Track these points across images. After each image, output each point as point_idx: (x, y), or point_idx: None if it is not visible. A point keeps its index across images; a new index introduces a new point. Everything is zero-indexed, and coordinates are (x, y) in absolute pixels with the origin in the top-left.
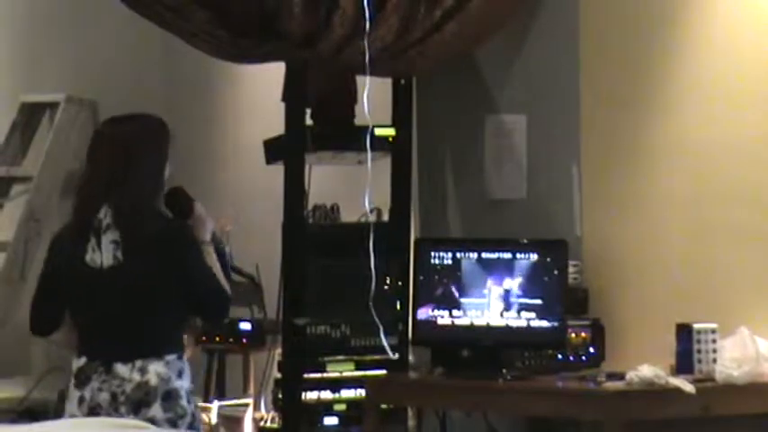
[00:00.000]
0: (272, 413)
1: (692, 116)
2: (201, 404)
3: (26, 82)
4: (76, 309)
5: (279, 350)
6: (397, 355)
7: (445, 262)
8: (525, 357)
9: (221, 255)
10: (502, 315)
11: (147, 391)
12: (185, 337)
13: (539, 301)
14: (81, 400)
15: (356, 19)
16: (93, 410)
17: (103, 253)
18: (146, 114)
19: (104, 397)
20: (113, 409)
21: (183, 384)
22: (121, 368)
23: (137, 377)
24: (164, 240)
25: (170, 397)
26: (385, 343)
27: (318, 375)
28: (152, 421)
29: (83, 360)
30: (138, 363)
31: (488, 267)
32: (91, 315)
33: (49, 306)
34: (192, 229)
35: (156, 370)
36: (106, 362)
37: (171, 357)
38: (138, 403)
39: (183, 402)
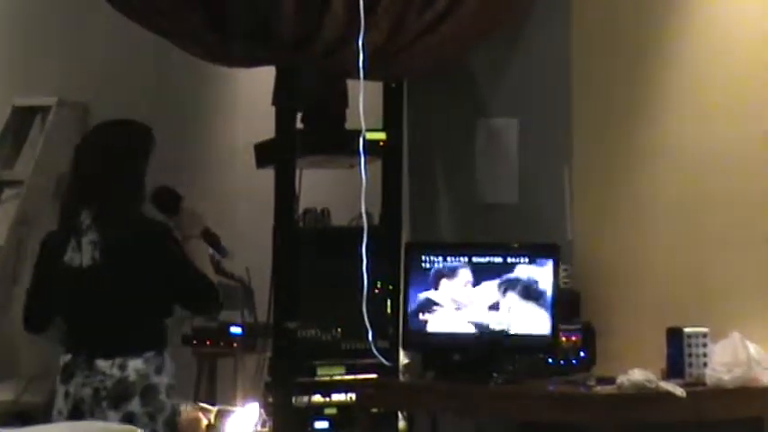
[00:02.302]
0: (262, 417)
1: (684, 121)
2: (201, 404)
3: (18, 86)
4: (61, 306)
5: (270, 354)
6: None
7: (436, 266)
8: (516, 361)
9: (215, 246)
10: (493, 319)
11: (127, 387)
12: None
13: (530, 305)
14: (66, 394)
15: (347, 22)
16: (77, 405)
17: (83, 253)
18: (131, 121)
19: (87, 392)
20: (95, 403)
21: (162, 380)
22: (102, 364)
23: (117, 373)
24: (142, 242)
25: (148, 392)
26: (374, 349)
27: (309, 379)
28: (131, 415)
29: (68, 356)
30: (118, 359)
31: (480, 271)
32: (74, 312)
33: (40, 304)
34: (173, 230)
35: (135, 366)
36: (89, 358)
37: (150, 354)
38: (117, 398)
39: (162, 397)
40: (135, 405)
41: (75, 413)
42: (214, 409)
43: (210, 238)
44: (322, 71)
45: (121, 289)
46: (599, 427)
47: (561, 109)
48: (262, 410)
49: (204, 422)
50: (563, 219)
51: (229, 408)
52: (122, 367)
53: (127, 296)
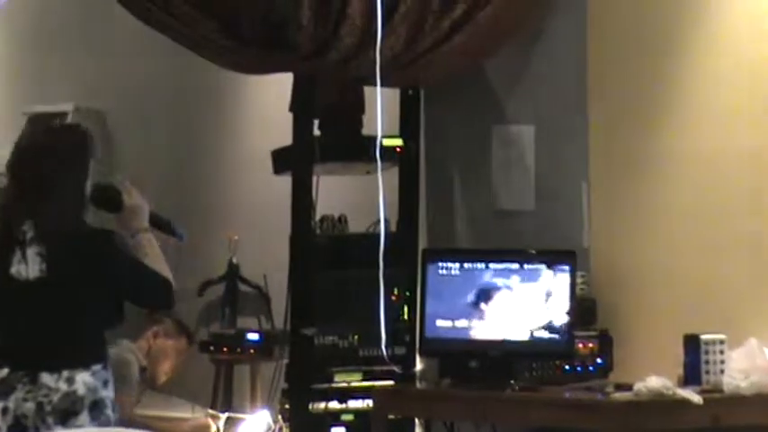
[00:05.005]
0: (279, 424)
1: (701, 127)
2: (210, 411)
3: (35, 93)
4: (3, 319)
5: (286, 360)
6: (400, 368)
7: (453, 272)
8: (533, 368)
9: (168, 230)
10: (509, 326)
11: (75, 401)
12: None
13: (547, 312)
14: (4, 410)
15: (365, 29)
16: (19, 420)
17: (29, 265)
18: (69, 126)
19: (30, 407)
20: (40, 419)
21: (109, 394)
22: (47, 378)
23: (64, 387)
24: (88, 253)
25: (97, 407)
26: (386, 356)
27: (326, 386)
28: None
29: (5, 371)
30: (65, 373)
31: (496, 278)
32: (16, 326)
33: None
34: (116, 234)
35: (83, 380)
36: (31, 372)
37: (97, 367)
38: (65, 413)
39: (109, 412)
40: (84, 419)
41: (16, 430)
42: (223, 416)
43: (161, 225)
44: (339, 78)
45: (70, 301)
46: None
47: (577, 116)
48: (279, 417)
49: (213, 429)
50: (580, 226)
51: (239, 415)
52: (70, 381)
53: (76, 308)
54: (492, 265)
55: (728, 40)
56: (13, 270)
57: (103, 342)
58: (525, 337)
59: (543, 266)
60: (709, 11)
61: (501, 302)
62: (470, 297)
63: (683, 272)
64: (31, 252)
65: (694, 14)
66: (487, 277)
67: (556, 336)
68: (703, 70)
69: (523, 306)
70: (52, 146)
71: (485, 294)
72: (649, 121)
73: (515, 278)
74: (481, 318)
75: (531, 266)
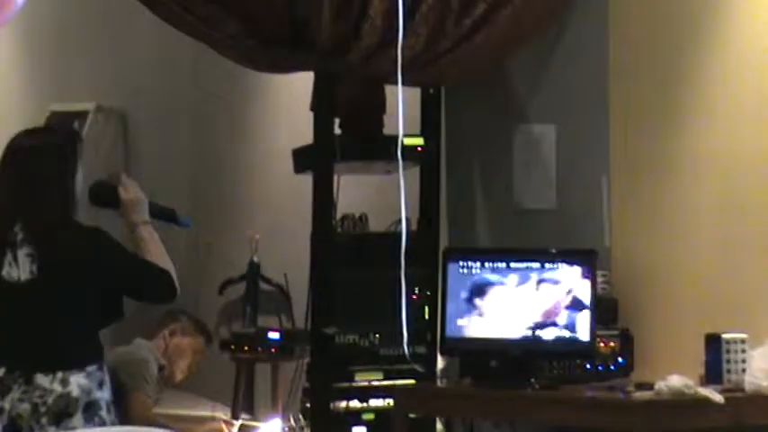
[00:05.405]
0: (301, 423)
1: (722, 126)
2: (224, 417)
3: (56, 91)
4: None
5: (307, 360)
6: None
7: (474, 271)
8: (554, 367)
9: (172, 220)
10: (530, 325)
11: (69, 403)
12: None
13: (567, 311)
14: (0, 410)
15: (385, 29)
16: (14, 421)
17: (20, 267)
18: (57, 126)
19: (25, 407)
20: (35, 420)
21: (104, 395)
22: (42, 379)
23: (58, 388)
24: (79, 252)
25: (91, 408)
26: (408, 354)
27: (347, 385)
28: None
29: (1, 371)
30: (60, 374)
31: (517, 277)
32: (10, 327)
33: None
34: (106, 232)
35: (77, 381)
36: (26, 373)
37: (92, 368)
38: (59, 414)
39: (103, 413)
40: (77, 421)
41: (11, 430)
42: (237, 423)
43: (164, 214)
44: (360, 77)
45: (63, 302)
46: None
47: (599, 115)
48: (301, 416)
49: None
50: (601, 225)
51: (253, 423)
52: (64, 382)
53: (69, 309)
54: (513, 264)
55: (751, 40)
56: (5, 272)
57: (98, 342)
58: (546, 336)
59: (564, 265)
60: (731, 10)
61: (521, 301)
62: (491, 296)
63: (705, 271)
64: (22, 254)
65: (717, 14)
66: (508, 276)
67: (576, 335)
68: (724, 69)
69: (545, 305)
70: (40, 147)
71: (505, 293)
72: (670, 121)
73: (536, 277)
74: (501, 317)
75: (552, 265)
